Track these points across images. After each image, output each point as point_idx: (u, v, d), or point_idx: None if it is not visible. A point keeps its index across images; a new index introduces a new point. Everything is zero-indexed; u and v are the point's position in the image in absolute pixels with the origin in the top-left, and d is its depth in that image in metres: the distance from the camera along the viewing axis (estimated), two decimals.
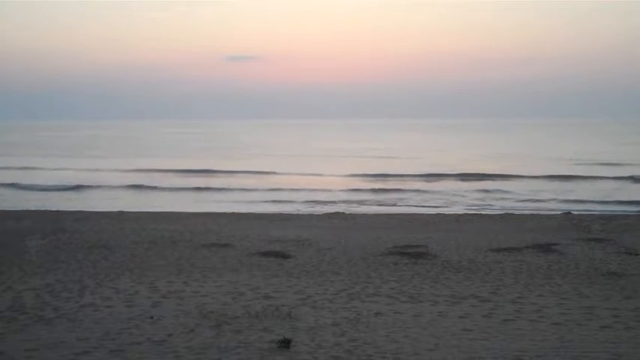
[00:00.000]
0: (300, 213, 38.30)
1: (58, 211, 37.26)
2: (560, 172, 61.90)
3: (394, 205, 44.21)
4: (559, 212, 37.85)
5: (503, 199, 46.96)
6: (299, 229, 29.08)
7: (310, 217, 35.47)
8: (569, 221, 32.65)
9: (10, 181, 56.65)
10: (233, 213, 37.62)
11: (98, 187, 54.51)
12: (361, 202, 45.18)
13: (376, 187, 53.44)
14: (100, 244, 24.71)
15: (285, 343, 12.59)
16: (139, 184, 55.30)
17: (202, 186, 54.70)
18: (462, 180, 59.37)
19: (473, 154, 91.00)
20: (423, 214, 36.92)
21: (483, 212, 38.69)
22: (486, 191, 50.87)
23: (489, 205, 44.09)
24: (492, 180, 58.18)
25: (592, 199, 45.15)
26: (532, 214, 36.99)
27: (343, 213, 37.24)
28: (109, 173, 65.71)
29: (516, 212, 38.62)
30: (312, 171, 67.39)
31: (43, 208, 39.39)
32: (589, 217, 34.78)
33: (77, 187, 53.99)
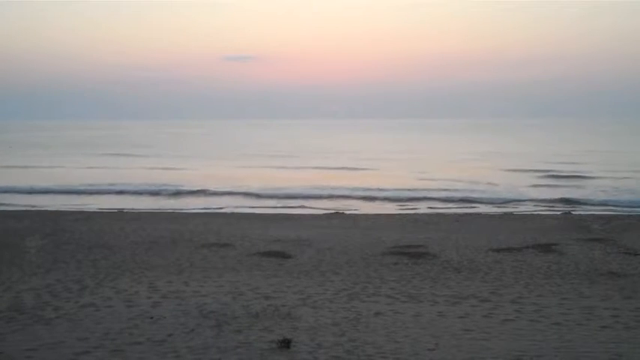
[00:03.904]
0: (300, 213, 38.29)
1: (58, 211, 37.26)
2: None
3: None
4: (559, 212, 37.87)
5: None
6: (299, 229, 29.08)
7: (310, 217, 35.47)
8: (569, 221, 32.66)
9: None
10: (233, 213, 37.65)
11: None
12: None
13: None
14: (100, 244, 24.71)
15: (285, 343, 12.59)
16: None
17: None
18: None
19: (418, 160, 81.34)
20: (423, 214, 36.91)
21: (483, 212, 38.68)
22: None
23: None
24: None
25: (592, 199, 45.08)
26: (532, 214, 37.02)
27: (343, 213, 37.24)
28: None
29: (516, 212, 38.63)
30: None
31: (43, 208, 39.38)
32: (589, 217, 34.78)
33: None
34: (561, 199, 44.25)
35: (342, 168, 69.80)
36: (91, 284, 18.02)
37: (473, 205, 42.66)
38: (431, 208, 41.44)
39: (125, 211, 38.21)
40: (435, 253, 23.07)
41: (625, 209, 40.43)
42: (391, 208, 41.09)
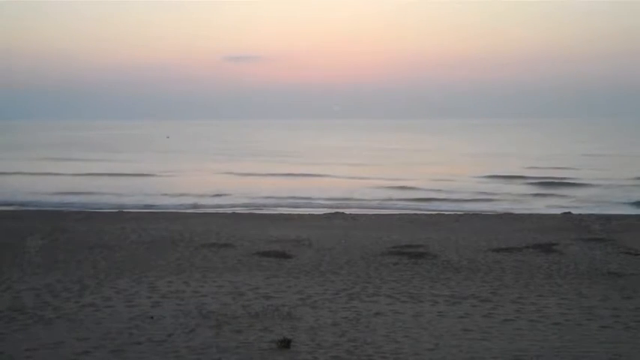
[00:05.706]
0: (300, 213, 38.26)
1: (58, 211, 37.25)
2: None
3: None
4: (559, 212, 37.84)
5: None
6: (299, 229, 29.06)
7: (310, 217, 35.43)
8: (569, 221, 32.65)
9: None
10: (233, 213, 37.64)
11: None
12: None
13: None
14: (100, 244, 24.70)
15: (285, 343, 12.59)
16: None
17: None
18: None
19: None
20: (423, 214, 36.89)
21: (483, 212, 38.66)
22: None
23: None
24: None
25: (592, 200, 45.00)
26: (532, 214, 36.99)
27: (343, 213, 37.20)
28: None
29: (516, 212, 38.61)
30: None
31: (42, 208, 39.37)
32: (589, 217, 34.75)
33: None
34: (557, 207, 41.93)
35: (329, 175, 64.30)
36: (91, 284, 18.01)
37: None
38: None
39: (125, 211, 38.21)
40: (435, 253, 23.06)
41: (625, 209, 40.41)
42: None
